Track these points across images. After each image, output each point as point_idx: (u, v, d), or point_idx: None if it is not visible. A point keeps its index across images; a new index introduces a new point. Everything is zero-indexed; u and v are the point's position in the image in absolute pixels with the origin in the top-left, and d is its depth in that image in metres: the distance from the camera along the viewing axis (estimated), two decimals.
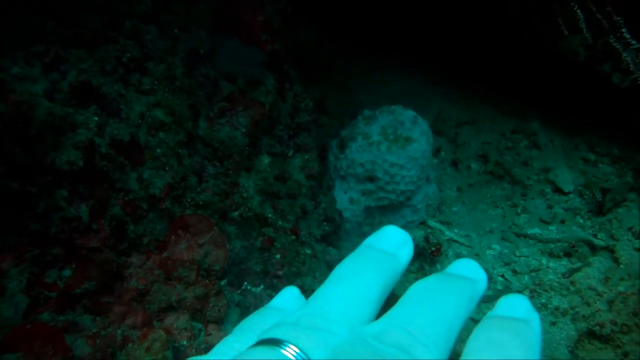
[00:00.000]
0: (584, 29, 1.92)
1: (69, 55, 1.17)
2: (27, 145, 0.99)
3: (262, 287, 1.39)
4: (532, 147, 2.64)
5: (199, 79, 1.45)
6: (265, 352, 0.41)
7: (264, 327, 0.46)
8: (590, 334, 1.78)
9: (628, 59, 1.89)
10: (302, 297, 0.57)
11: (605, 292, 1.90)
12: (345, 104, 2.94)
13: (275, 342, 0.41)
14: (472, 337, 0.44)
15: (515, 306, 0.47)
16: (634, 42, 1.86)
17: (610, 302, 1.84)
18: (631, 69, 1.91)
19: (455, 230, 2.23)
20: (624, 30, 1.86)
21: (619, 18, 1.82)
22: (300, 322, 0.44)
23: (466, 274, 0.50)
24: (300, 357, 0.40)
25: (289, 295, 0.57)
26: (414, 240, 1.74)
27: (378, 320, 0.44)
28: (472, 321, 0.46)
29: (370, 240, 0.53)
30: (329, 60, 3.16)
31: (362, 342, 0.41)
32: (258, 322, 0.52)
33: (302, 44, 2.75)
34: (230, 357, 0.43)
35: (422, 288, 0.47)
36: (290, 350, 0.40)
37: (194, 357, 0.49)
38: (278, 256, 1.44)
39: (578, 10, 1.89)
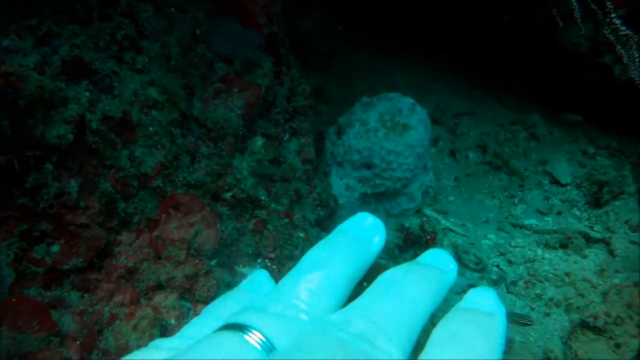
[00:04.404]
0: (579, 19, 1.90)
1: (62, 30, 1.16)
2: (15, 118, 0.98)
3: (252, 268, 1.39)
4: (531, 138, 2.63)
5: (194, 59, 1.43)
6: (229, 337, 0.41)
7: (232, 310, 0.46)
8: (584, 326, 1.77)
9: (622, 52, 1.87)
10: (272, 281, 0.58)
11: (600, 284, 1.89)
12: (345, 92, 2.93)
13: (240, 328, 0.42)
14: (437, 328, 0.44)
15: (482, 299, 0.47)
16: (623, 28, 1.83)
17: (604, 294, 1.83)
18: (625, 61, 1.89)
19: (452, 220, 2.22)
20: (613, 15, 1.84)
21: (609, 3, 1.79)
22: (266, 308, 0.44)
23: (436, 264, 0.51)
24: (264, 343, 0.40)
25: (259, 279, 0.58)
26: (409, 228, 1.72)
27: (344, 309, 0.45)
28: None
29: (343, 226, 0.54)
30: (331, 48, 3.14)
31: (326, 330, 0.42)
32: (226, 306, 0.53)
33: (305, 32, 2.74)
34: (196, 339, 0.43)
35: (390, 278, 0.47)
36: (253, 337, 0.41)
37: (160, 339, 0.49)
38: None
39: (574, 0, 1.87)
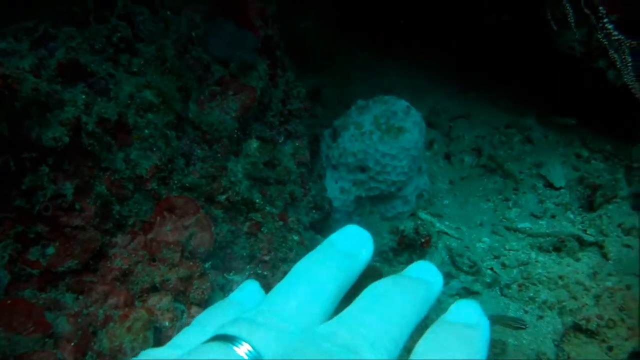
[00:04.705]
0: (572, 24, 1.91)
1: (59, 33, 1.17)
2: (12, 120, 0.99)
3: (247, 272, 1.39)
4: (526, 142, 2.64)
5: (190, 61, 1.44)
6: (219, 348, 0.42)
7: (222, 321, 0.47)
8: (577, 328, 1.78)
9: (615, 56, 1.89)
10: (262, 292, 0.59)
11: (593, 287, 1.90)
12: (342, 94, 2.93)
13: (229, 339, 0.43)
14: (421, 340, 0.45)
15: (466, 312, 0.48)
16: (616, 32, 1.85)
17: (597, 297, 1.84)
18: (618, 66, 1.90)
19: (446, 223, 2.23)
20: (605, 20, 1.85)
21: (601, 7, 1.80)
22: (255, 320, 0.45)
23: (422, 276, 0.52)
24: (252, 355, 0.41)
25: (249, 289, 0.59)
26: (404, 231, 1.73)
27: (331, 321, 0.45)
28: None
29: (332, 238, 0.54)
30: (331, 48, 3.14)
31: (313, 341, 0.43)
32: (217, 316, 0.54)
33: (304, 32, 2.74)
34: (187, 349, 0.44)
35: (377, 290, 0.48)
36: (242, 348, 0.42)
37: (151, 349, 0.50)
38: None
39: (567, 4, 1.88)
